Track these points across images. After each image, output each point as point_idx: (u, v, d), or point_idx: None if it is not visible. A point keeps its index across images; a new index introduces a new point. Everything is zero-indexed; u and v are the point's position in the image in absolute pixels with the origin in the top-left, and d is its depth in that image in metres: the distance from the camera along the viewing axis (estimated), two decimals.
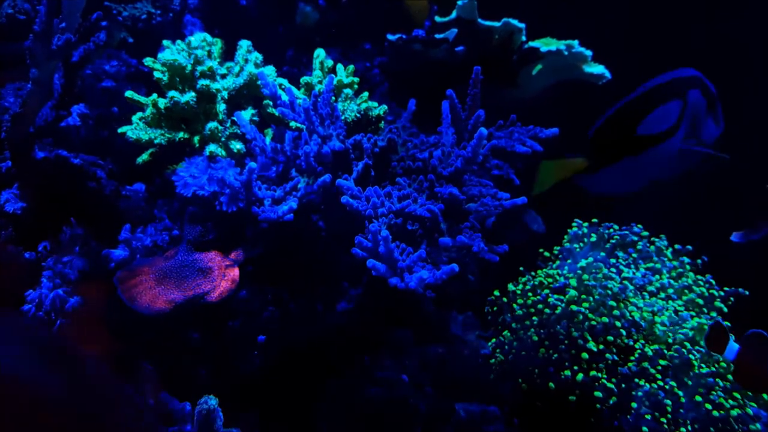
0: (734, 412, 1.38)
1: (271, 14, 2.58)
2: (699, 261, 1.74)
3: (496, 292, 1.80)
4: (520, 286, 1.75)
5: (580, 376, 1.51)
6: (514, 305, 1.73)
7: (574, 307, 1.57)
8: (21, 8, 2.14)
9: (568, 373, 1.52)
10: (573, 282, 1.62)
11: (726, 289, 1.68)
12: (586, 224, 1.79)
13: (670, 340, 1.50)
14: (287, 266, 1.76)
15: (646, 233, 1.79)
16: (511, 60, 2.19)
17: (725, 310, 1.66)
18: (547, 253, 1.85)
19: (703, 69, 1.86)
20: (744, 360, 1.35)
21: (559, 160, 1.80)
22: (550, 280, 1.69)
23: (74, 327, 1.58)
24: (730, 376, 1.44)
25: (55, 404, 0.98)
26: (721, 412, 1.38)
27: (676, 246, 1.77)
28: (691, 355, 1.46)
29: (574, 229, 1.80)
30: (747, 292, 1.68)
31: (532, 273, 1.79)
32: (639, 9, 2.52)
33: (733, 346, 1.36)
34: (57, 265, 1.63)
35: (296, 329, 1.74)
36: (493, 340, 1.77)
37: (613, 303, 1.56)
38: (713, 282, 1.70)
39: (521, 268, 1.83)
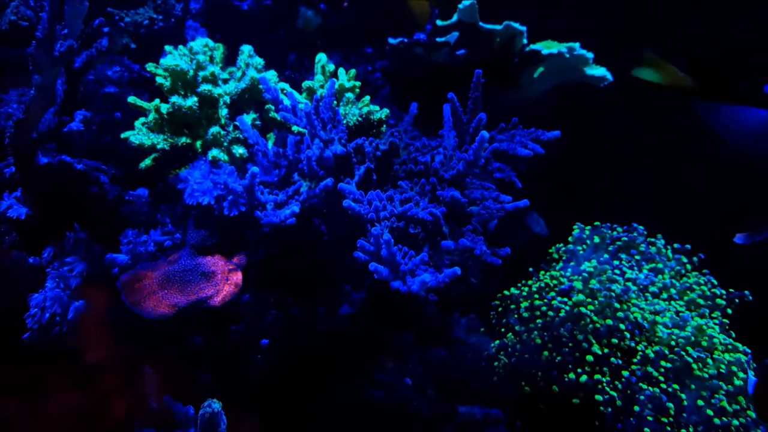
0: (736, 420, 1.37)
1: (272, 19, 2.59)
2: (696, 259, 1.74)
3: (507, 293, 1.80)
4: (526, 289, 1.75)
5: (583, 378, 1.51)
6: (518, 307, 1.73)
7: (580, 309, 1.57)
8: (24, 15, 2.15)
9: (572, 375, 1.52)
10: (578, 285, 1.62)
11: (731, 290, 1.68)
12: (588, 228, 1.79)
13: (672, 342, 1.50)
14: (290, 270, 1.77)
15: (645, 233, 1.79)
16: (513, 63, 2.20)
17: (729, 311, 1.66)
18: (556, 255, 1.84)
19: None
20: (762, 392, 1.34)
21: (666, 63, 1.71)
22: (555, 282, 1.69)
23: (78, 330, 1.59)
24: (736, 380, 1.44)
25: None
26: (724, 418, 1.38)
27: (676, 245, 1.77)
28: (691, 359, 1.46)
29: (576, 231, 1.80)
30: (751, 297, 1.67)
31: (536, 275, 1.79)
32: (641, 10, 2.53)
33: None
34: (61, 270, 1.64)
35: (299, 333, 1.74)
36: (497, 342, 1.77)
37: (617, 305, 1.56)
38: (714, 281, 1.70)
39: (530, 269, 1.83)
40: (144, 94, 2.14)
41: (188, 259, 1.66)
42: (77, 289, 1.63)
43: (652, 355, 1.48)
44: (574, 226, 1.81)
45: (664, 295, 1.64)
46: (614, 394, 1.48)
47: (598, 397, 1.48)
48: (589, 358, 1.52)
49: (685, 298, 1.64)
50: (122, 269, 1.67)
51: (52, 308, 1.57)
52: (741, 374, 1.45)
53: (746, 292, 1.68)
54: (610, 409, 1.47)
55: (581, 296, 1.60)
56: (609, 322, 1.53)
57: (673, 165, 2.57)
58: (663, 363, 1.47)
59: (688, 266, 1.72)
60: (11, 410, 1.51)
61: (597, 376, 1.50)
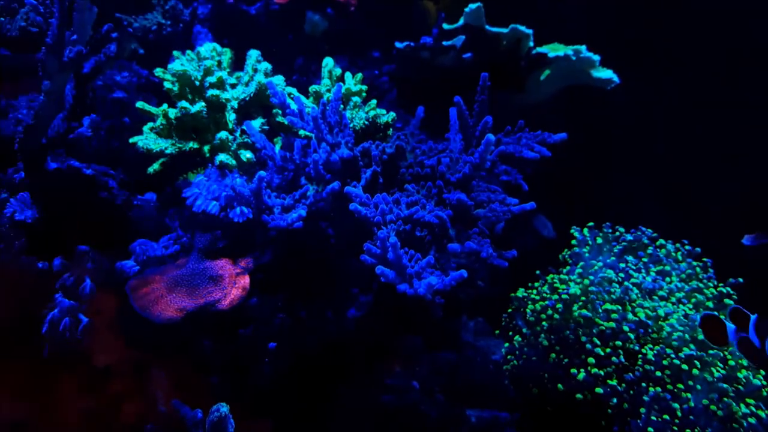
0: (748, 421, 1.37)
1: (280, 23, 2.60)
2: (705, 262, 1.74)
3: (514, 295, 1.80)
4: (534, 292, 1.74)
5: (581, 375, 1.50)
6: (526, 311, 1.73)
7: (583, 312, 1.56)
8: (33, 21, 2.17)
9: (580, 377, 1.52)
10: (578, 289, 1.61)
11: (731, 280, 1.68)
12: (586, 229, 1.78)
13: (675, 344, 1.49)
14: (297, 273, 1.77)
15: (655, 235, 1.79)
16: (519, 66, 2.20)
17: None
18: (564, 256, 1.84)
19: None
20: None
21: None
22: (563, 286, 1.68)
23: (88, 335, 1.59)
24: (741, 375, 1.44)
25: None
26: (734, 424, 1.37)
27: (687, 247, 1.76)
28: (697, 360, 1.46)
29: (576, 234, 1.79)
30: (741, 280, 1.67)
31: (543, 278, 1.79)
32: (646, 14, 2.53)
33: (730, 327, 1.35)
34: (70, 281, 1.64)
35: (307, 336, 1.75)
36: (506, 345, 1.77)
37: (618, 307, 1.56)
38: (716, 282, 1.69)
39: (537, 272, 1.83)
40: (152, 99, 2.15)
41: (196, 263, 1.67)
42: (87, 299, 1.63)
43: (659, 357, 1.47)
44: (573, 230, 1.80)
45: (673, 299, 1.64)
46: (621, 391, 1.47)
47: (598, 391, 1.48)
48: (592, 360, 1.51)
49: (693, 300, 1.63)
50: (131, 274, 1.68)
51: (63, 320, 1.57)
52: (751, 377, 1.45)
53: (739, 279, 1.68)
54: (617, 405, 1.47)
55: (584, 298, 1.60)
56: (612, 324, 1.53)
57: (680, 168, 2.56)
58: (665, 362, 1.46)
59: (698, 269, 1.72)
60: (24, 413, 1.52)
61: (598, 371, 1.50)
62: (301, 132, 1.85)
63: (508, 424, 1.88)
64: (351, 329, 1.80)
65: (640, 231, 1.79)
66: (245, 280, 1.65)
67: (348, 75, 1.97)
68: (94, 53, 1.89)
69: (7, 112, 1.98)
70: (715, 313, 1.41)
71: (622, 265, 1.71)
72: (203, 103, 1.81)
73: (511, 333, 1.79)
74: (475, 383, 1.96)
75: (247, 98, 1.90)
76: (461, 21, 2.15)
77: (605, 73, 2.17)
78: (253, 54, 1.96)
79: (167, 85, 1.85)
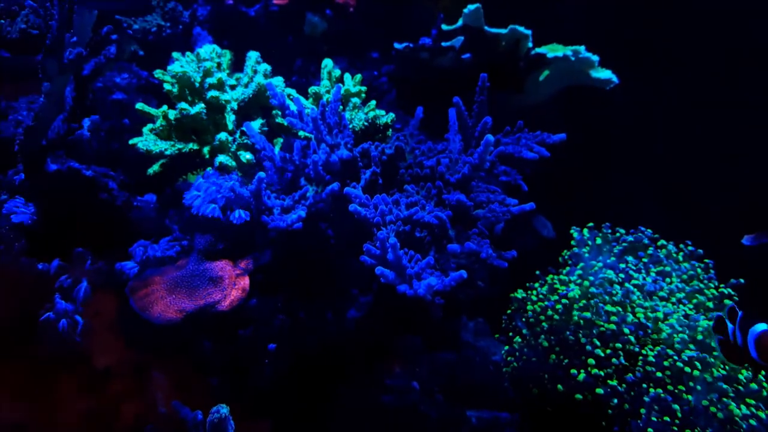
0: (748, 422, 1.37)
1: (279, 25, 2.60)
2: (706, 262, 1.74)
3: (514, 296, 1.80)
4: (534, 293, 1.74)
5: (581, 375, 1.50)
6: (526, 311, 1.73)
7: (584, 314, 1.56)
8: (34, 23, 2.17)
9: (580, 378, 1.52)
10: (578, 290, 1.61)
11: (732, 281, 1.68)
12: (586, 230, 1.78)
13: (677, 346, 1.49)
14: (297, 274, 1.77)
15: (656, 236, 1.79)
16: (518, 66, 2.20)
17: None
18: (564, 257, 1.84)
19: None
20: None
21: None
22: (563, 287, 1.68)
23: (88, 336, 1.60)
24: (741, 376, 1.44)
25: None
26: (735, 426, 1.37)
27: (690, 248, 1.76)
28: (698, 361, 1.46)
29: (576, 234, 1.79)
30: (743, 281, 1.68)
31: (543, 279, 1.79)
32: (645, 14, 2.53)
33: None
34: (68, 283, 1.64)
35: (306, 337, 1.75)
36: (506, 347, 1.77)
37: (619, 309, 1.56)
38: (717, 283, 1.69)
39: (537, 273, 1.83)
40: (152, 100, 2.16)
41: (196, 265, 1.67)
42: (82, 302, 1.63)
43: (659, 358, 1.47)
44: (572, 230, 1.80)
45: (673, 299, 1.64)
46: (621, 392, 1.47)
47: (599, 391, 1.48)
48: (592, 361, 1.51)
49: (694, 301, 1.63)
50: (131, 275, 1.68)
51: (59, 322, 1.57)
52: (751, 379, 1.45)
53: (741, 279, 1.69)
54: (617, 405, 1.47)
55: (583, 300, 1.60)
56: (613, 326, 1.53)
57: (680, 168, 2.56)
58: (666, 363, 1.46)
59: (699, 270, 1.72)
60: (23, 414, 1.52)
61: (598, 372, 1.50)
62: (301, 133, 1.85)
63: (508, 425, 1.87)
64: (351, 330, 1.80)
65: (640, 231, 1.79)
66: (245, 282, 1.65)
67: (347, 76, 1.97)
68: (94, 55, 1.89)
69: (7, 114, 1.98)
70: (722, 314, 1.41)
71: (622, 265, 1.71)
72: (203, 105, 1.81)
73: (511, 334, 1.79)
74: (475, 383, 1.96)
75: (247, 99, 1.90)
76: (460, 22, 2.15)
77: (604, 74, 2.17)
78: (253, 55, 1.96)
79: (167, 86, 1.85)
